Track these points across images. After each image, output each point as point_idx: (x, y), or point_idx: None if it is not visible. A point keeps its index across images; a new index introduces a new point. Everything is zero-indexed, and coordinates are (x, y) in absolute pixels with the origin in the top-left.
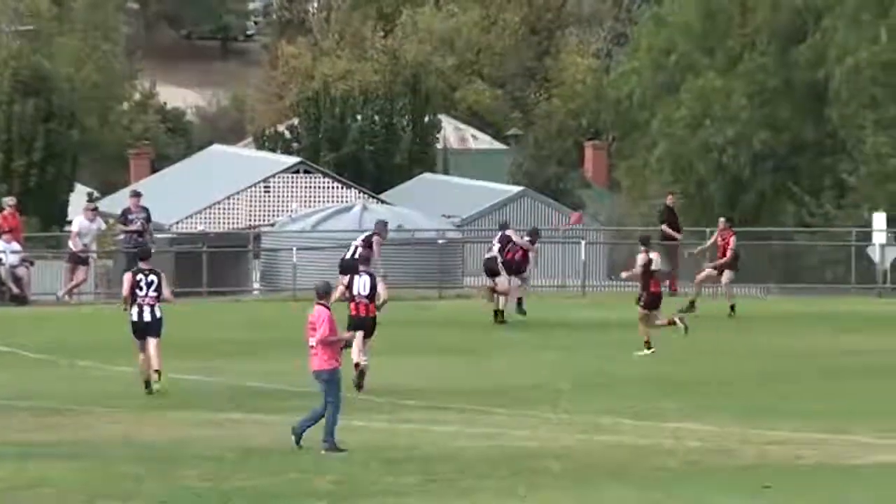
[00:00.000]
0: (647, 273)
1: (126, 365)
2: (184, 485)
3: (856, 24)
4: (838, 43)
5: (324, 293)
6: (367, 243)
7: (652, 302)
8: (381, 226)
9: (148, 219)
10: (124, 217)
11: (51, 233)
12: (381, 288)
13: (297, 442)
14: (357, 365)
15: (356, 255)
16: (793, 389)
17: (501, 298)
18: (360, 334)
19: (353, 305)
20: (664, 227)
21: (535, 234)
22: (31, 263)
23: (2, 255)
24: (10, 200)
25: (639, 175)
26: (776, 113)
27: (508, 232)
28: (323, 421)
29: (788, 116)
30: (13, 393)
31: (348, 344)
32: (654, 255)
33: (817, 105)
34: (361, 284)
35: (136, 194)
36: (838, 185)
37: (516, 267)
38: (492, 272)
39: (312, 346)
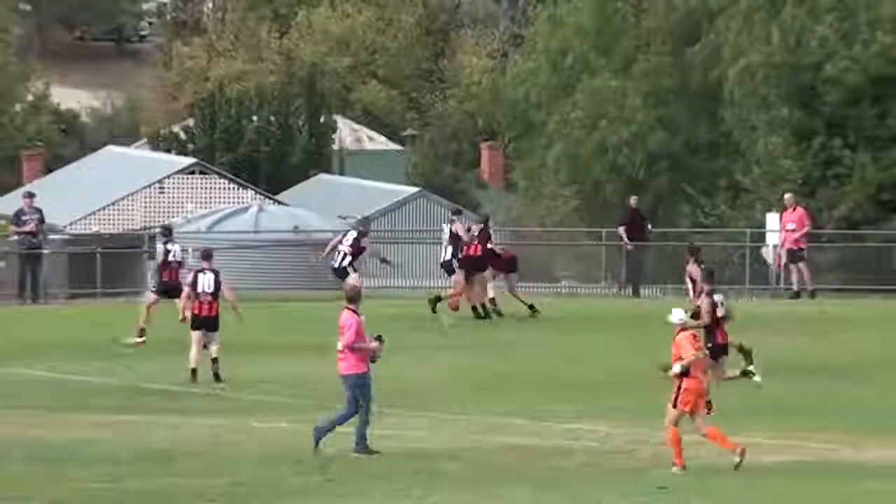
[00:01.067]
0: (166, 263)
1: (18, 366)
2: (79, 486)
3: (748, 25)
4: (731, 44)
5: (352, 298)
6: (357, 247)
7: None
8: (365, 222)
9: (41, 220)
10: (17, 218)
11: None
12: (226, 289)
13: (317, 444)
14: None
15: (343, 263)
16: None
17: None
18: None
19: (196, 304)
20: (621, 229)
21: (486, 222)
22: None
23: None
24: None
25: (535, 176)
26: (671, 114)
27: (455, 226)
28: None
29: (683, 117)
30: None
31: (374, 357)
32: (172, 247)
33: (711, 106)
34: (206, 282)
35: (30, 195)
36: (732, 186)
37: (480, 264)
38: (449, 273)
39: (340, 350)
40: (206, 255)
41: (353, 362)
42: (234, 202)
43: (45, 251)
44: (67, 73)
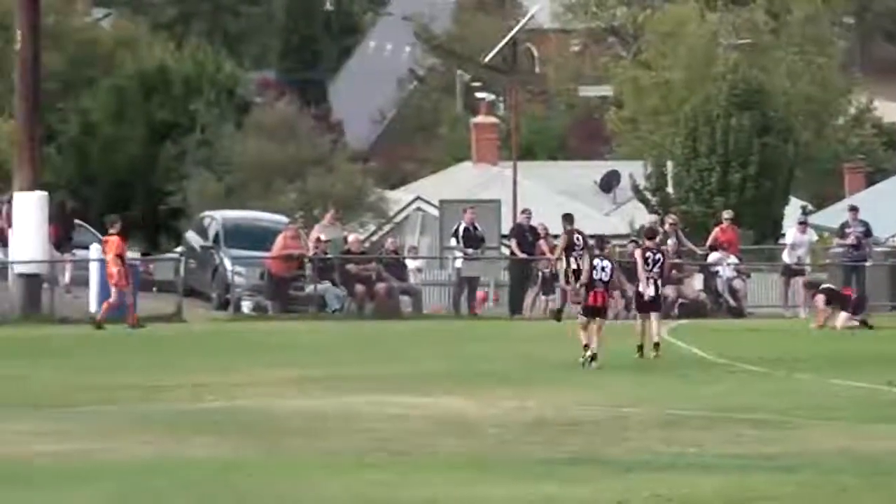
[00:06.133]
0: None
1: (840, 378)
2: None
3: None
4: None
5: None
6: None
7: None
8: None
9: (866, 233)
10: (841, 230)
11: (764, 245)
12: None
13: None
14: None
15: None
16: None
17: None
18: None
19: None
20: None
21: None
22: (748, 276)
23: (719, 268)
24: (727, 214)
25: None
26: None
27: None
28: None
29: None
30: (731, 405)
31: None
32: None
33: None
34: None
35: (853, 209)
36: None
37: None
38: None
39: None
40: (602, 244)
41: None
42: None
43: (867, 264)
44: (892, 87)
